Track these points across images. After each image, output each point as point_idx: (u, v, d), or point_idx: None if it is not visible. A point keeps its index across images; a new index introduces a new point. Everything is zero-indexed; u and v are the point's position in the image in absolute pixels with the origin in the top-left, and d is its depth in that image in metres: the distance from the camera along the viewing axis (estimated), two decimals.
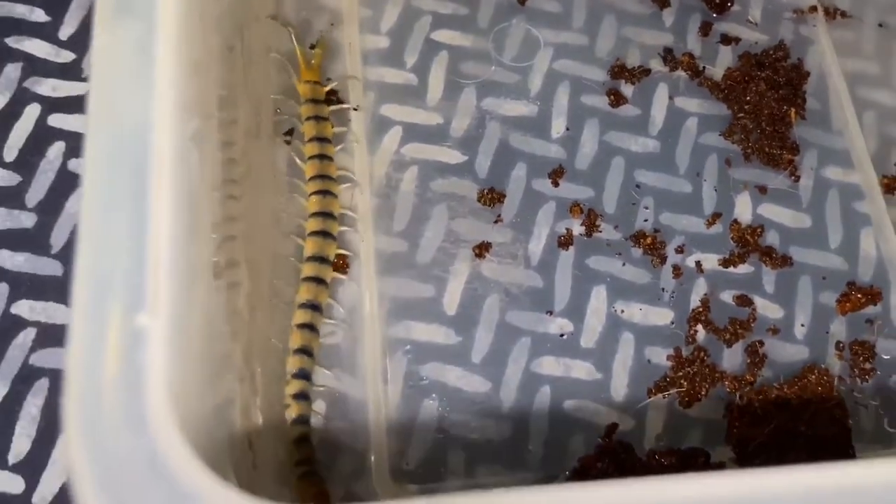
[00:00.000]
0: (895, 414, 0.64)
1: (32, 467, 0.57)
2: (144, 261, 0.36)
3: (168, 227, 0.37)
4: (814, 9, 0.78)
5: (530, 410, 0.62)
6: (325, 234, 0.61)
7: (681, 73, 0.74)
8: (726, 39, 0.76)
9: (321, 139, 0.63)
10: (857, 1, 0.80)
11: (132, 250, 0.36)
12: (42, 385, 0.60)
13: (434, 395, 0.61)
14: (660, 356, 0.64)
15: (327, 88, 0.67)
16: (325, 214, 0.62)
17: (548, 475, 0.59)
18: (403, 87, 0.72)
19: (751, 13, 0.78)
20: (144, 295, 0.35)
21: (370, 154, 0.69)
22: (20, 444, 0.58)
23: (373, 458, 0.59)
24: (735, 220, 0.68)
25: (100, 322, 0.35)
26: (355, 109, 0.70)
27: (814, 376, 0.59)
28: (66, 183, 0.66)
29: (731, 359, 0.63)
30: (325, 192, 0.62)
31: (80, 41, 0.71)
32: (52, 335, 0.61)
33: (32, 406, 0.59)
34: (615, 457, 0.58)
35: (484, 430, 0.61)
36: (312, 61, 0.69)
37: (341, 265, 0.63)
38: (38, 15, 0.72)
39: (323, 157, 0.63)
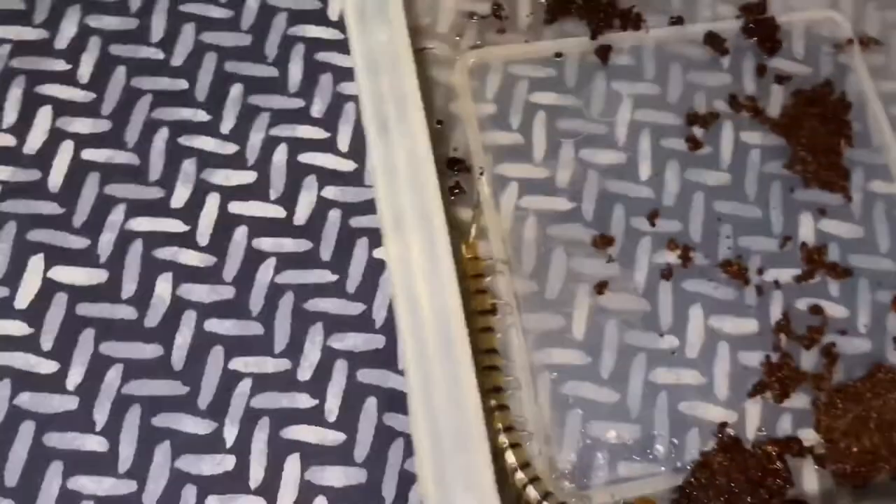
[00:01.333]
0: None
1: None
2: None
3: None
4: (850, 41, 0.91)
5: (653, 414, 0.77)
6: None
7: (744, 114, 0.88)
8: (779, 79, 0.89)
9: (483, 313, 0.76)
10: (885, 27, 0.93)
11: None
12: (264, 423, 0.75)
13: (577, 408, 0.77)
14: (752, 361, 0.79)
15: (484, 263, 0.78)
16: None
17: (675, 468, 0.75)
18: (512, 147, 0.86)
19: (794, 50, 0.91)
20: None
21: (496, 210, 0.83)
22: (256, 472, 0.73)
23: (538, 464, 0.74)
24: (804, 243, 0.82)
25: None
26: (481, 174, 0.84)
27: (881, 373, 0.75)
28: (254, 259, 0.80)
29: (810, 360, 0.79)
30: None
31: (241, 133, 0.85)
32: (264, 382, 0.76)
33: (259, 441, 0.74)
34: (729, 449, 0.73)
35: (619, 433, 0.76)
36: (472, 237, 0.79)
37: (493, 310, 0.78)
38: (202, 115, 0.85)
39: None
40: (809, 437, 0.76)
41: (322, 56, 0.89)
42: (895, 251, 0.84)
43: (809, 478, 0.75)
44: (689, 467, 0.75)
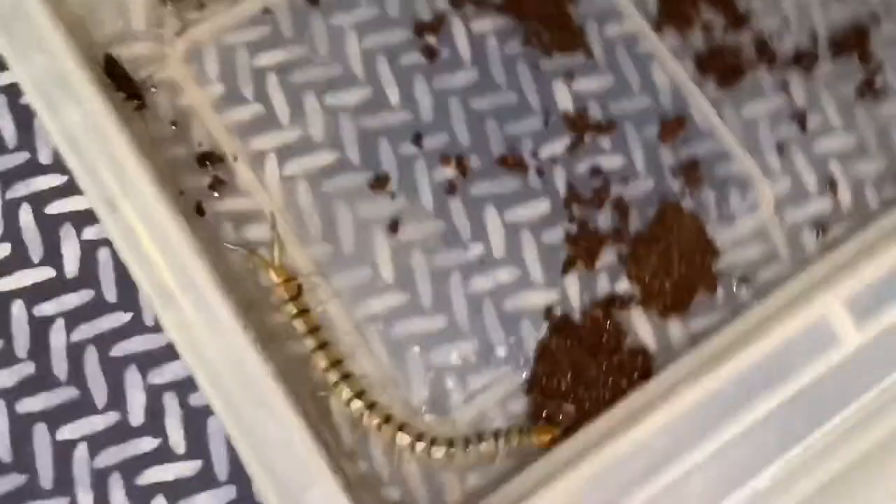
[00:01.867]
0: (725, 193, 0.96)
1: None
2: None
3: None
4: None
5: (484, 322, 0.90)
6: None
7: (468, 5, 0.99)
8: None
9: (313, 330, 0.85)
10: None
11: None
12: (116, 478, 0.83)
13: (412, 346, 0.89)
14: (555, 238, 0.93)
15: (297, 281, 0.87)
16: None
17: (519, 365, 0.89)
18: (256, 119, 0.95)
19: None
20: None
21: (265, 191, 0.92)
22: None
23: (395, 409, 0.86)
24: (564, 113, 0.96)
25: None
26: (235, 160, 0.92)
27: (669, 212, 0.91)
28: (42, 327, 0.87)
29: (606, 219, 0.94)
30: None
31: None
32: (101, 441, 0.84)
33: (118, 497, 0.83)
34: (561, 329, 0.88)
35: (459, 352, 0.89)
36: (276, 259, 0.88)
37: (298, 293, 0.87)
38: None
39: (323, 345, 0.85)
40: (627, 288, 0.91)
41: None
42: (647, 85, 1.00)
43: (640, 324, 0.91)
44: (532, 359, 0.88)
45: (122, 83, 0.89)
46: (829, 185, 0.97)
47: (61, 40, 0.72)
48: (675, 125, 0.97)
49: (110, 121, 0.69)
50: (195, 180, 0.92)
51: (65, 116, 0.73)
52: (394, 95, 0.97)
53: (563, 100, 0.98)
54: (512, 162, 0.94)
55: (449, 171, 0.94)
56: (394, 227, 0.92)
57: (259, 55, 0.97)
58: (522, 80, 0.99)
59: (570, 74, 0.99)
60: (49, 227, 0.90)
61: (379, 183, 0.93)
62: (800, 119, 0.99)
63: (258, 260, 0.88)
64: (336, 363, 0.84)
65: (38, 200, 0.91)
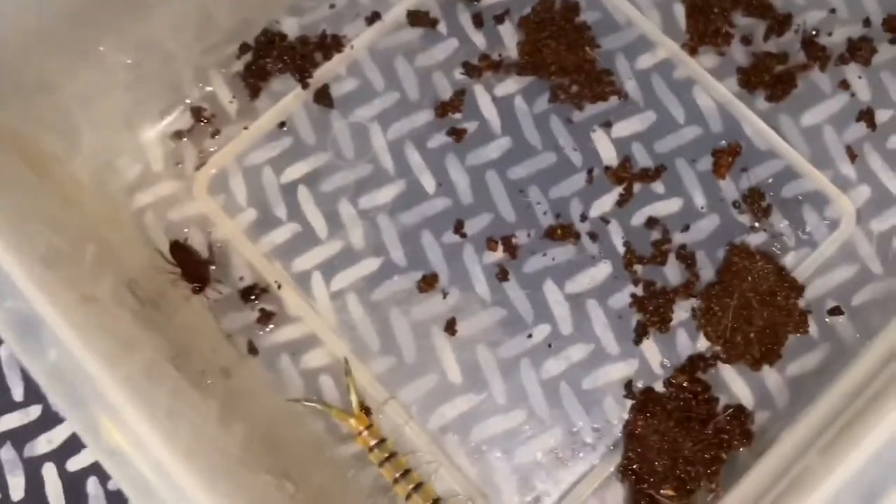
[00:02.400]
0: (798, 216, 0.88)
1: None
2: None
3: None
4: None
5: (564, 409, 0.85)
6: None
7: (487, 73, 0.94)
8: (497, 18, 0.96)
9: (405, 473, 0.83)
10: None
11: None
12: None
13: (494, 450, 0.85)
14: (622, 303, 0.87)
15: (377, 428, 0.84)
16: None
17: (609, 449, 0.84)
18: (293, 238, 0.92)
19: None
20: None
21: (316, 314, 0.89)
22: None
23: None
24: (607, 166, 0.90)
25: None
26: (279, 287, 0.90)
27: (735, 256, 0.84)
28: None
29: (672, 272, 0.88)
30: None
31: None
32: None
33: None
34: (645, 404, 0.82)
35: (544, 444, 0.85)
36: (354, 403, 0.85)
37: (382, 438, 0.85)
38: None
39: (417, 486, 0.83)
40: (709, 345, 0.85)
41: None
42: (692, 114, 0.93)
43: (731, 381, 0.85)
44: (620, 441, 0.83)
45: (187, 267, 0.89)
46: None
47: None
48: (728, 153, 0.90)
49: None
50: (242, 318, 0.90)
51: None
52: (428, 183, 0.93)
53: (605, 149, 0.92)
54: (561, 231, 0.89)
55: (496, 255, 0.90)
56: (451, 325, 0.88)
57: (285, 171, 0.94)
58: (559, 138, 0.93)
59: (608, 122, 0.93)
60: None
61: (427, 282, 0.89)
62: (867, 116, 0.91)
63: (335, 412, 0.85)
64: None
65: None
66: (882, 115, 0.91)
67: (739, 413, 0.82)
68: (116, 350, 0.72)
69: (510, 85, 0.95)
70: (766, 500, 0.66)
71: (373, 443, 0.83)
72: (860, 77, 0.93)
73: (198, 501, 0.60)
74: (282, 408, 0.87)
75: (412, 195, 0.93)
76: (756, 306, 0.83)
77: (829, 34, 0.94)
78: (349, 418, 0.84)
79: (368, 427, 0.84)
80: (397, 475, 0.82)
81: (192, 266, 0.90)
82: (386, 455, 0.83)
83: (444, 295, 0.89)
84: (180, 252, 0.90)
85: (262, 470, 0.80)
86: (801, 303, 0.85)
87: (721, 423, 0.82)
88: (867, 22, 0.94)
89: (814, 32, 0.94)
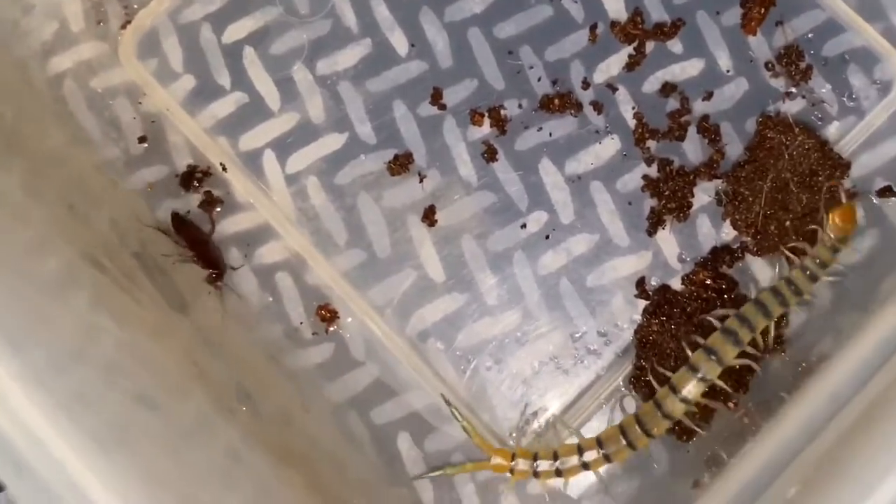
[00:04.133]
0: (844, 78, 0.76)
1: None
2: None
3: None
4: None
5: (566, 310, 0.74)
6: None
7: None
8: None
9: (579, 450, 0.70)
10: None
11: None
12: None
13: (486, 360, 0.74)
14: (634, 186, 0.75)
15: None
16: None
17: (619, 355, 0.73)
18: (240, 110, 0.79)
19: None
20: None
21: (270, 200, 0.76)
22: None
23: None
24: (613, 21, 0.76)
25: None
26: (225, 170, 0.76)
27: (769, 129, 0.71)
28: None
29: (692, 149, 0.75)
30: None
31: None
32: None
33: None
34: (659, 307, 0.71)
35: (542, 351, 0.74)
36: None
37: (331, 316, 0.73)
38: None
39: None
40: (736, 235, 0.73)
41: None
42: None
43: (763, 276, 0.73)
44: (632, 346, 0.72)
45: (197, 248, 0.75)
46: None
47: None
48: (761, 3, 0.76)
49: None
50: (183, 205, 0.77)
51: None
52: (400, 43, 0.79)
53: (613, 2, 0.78)
54: (559, 101, 0.76)
55: (483, 130, 0.76)
56: (430, 214, 0.75)
57: (227, 29, 0.80)
58: None
59: None
60: None
61: (400, 163, 0.76)
62: None
63: (471, 466, 0.72)
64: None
65: None
66: None
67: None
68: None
69: None
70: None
71: (534, 465, 0.70)
72: None
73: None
74: (232, 312, 0.75)
75: (380, 58, 0.79)
76: (794, 189, 0.71)
77: None
78: (495, 457, 0.70)
79: (513, 457, 0.70)
80: (577, 460, 0.69)
81: (202, 247, 0.75)
82: (550, 461, 0.70)
83: (421, 178, 0.76)
84: (185, 229, 0.76)
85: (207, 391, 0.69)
86: (847, 183, 0.73)
87: None
88: None
89: None
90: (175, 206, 0.77)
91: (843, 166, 0.72)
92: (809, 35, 0.77)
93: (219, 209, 0.77)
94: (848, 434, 0.55)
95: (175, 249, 0.75)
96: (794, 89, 0.75)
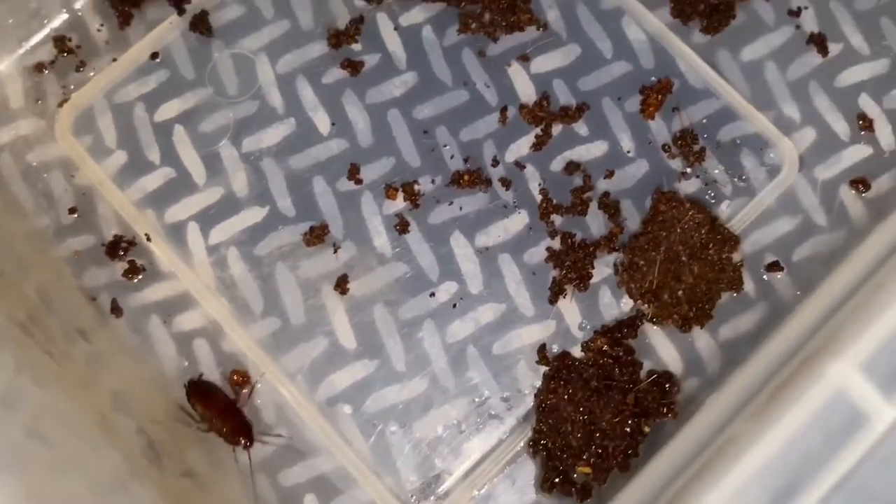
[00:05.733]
0: (736, 161, 0.81)
1: None
2: None
3: None
4: None
5: (471, 376, 0.77)
6: None
7: (389, 0, 0.86)
8: None
9: None
10: None
11: None
12: None
13: (391, 423, 0.77)
14: (539, 259, 0.80)
15: None
16: None
17: (520, 420, 0.76)
18: (168, 185, 0.83)
19: None
20: None
21: (191, 270, 0.80)
22: None
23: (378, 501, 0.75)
24: (522, 105, 0.82)
25: None
26: (149, 240, 0.81)
27: (662, 204, 0.76)
28: None
29: (594, 223, 0.80)
30: None
31: None
32: None
33: None
34: (559, 371, 0.74)
35: (447, 416, 0.77)
36: None
37: (243, 381, 0.76)
38: None
39: None
40: (634, 304, 0.77)
41: None
42: (621, 48, 0.85)
43: (659, 345, 0.77)
44: (533, 411, 0.76)
45: (222, 416, 0.77)
46: (861, 125, 0.82)
47: None
48: (658, 90, 0.82)
49: None
50: (106, 274, 0.81)
51: None
52: (322, 123, 0.84)
53: (523, 86, 0.84)
54: (469, 177, 0.81)
55: (397, 204, 0.81)
56: (342, 283, 0.79)
57: (158, 108, 0.85)
58: (471, 73, 0.85)
59: (525, 56, 0.85)
60: None
61: (315, 234, 0.80)
62: (819, 45, 0.83)
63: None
64: None
65: None
66: (831, 50, 0.84)
67: (665, 380, 0.75)
68: None
69: (417, 14, 0.87)
70: (687, 472, 0.58)
71: None
72: (806, 7, 0.85)
73: None
74: (146, 374, 0.79)
75: (303, 136, 0.84)
76: (685, 260, 0.76)
77: None
78: None
79: None
80: None
81: (227, 414, 0.76)
82: None
83: (336, 249, 0.80)
84: (207, 396, 0.77)
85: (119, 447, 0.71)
86: (736, 257, 0.78)
87: (643, 392, 0.74)
88: None
89: None
90: (100, 274, 0.81)
91: (733, 241, 0.77)
92: (704, 121, 0.82)
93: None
94: None
95: (196, 419, 0.76)
96: (689, 170, 0.81)
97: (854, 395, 0.45)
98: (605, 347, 0.76)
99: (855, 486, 0.44)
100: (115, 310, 0.80)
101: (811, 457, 0.44)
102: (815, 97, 0.83)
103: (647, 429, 0.73)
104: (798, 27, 0.85)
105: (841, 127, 0.82)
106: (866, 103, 0.83)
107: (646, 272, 0.76)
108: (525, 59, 0.84)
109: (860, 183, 0.80)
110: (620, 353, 0.76)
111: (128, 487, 0.71)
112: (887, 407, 0.45)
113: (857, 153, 0.82)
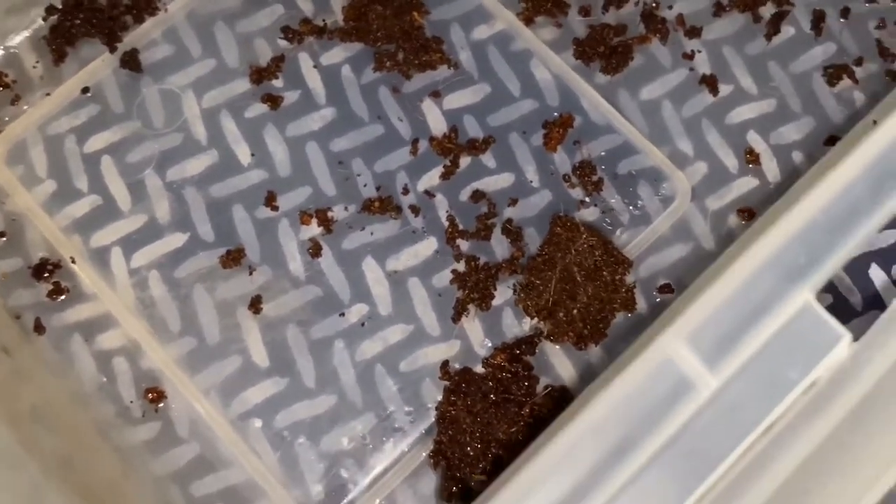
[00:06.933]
0: (632, 191, 0.87)
1: None
2: None
3: None
4: None
5: (378, 393, 0.82)
6: None
7: (309, 39, 0.92)
8: None
9: None
10: None
11: None
12: None
13: (299, 436, 0.81)
14: (445, 281, 0.85)
15: None
16: None
17: (423, 434, 0.80)
18: (94, 211, 0.88)
19: None
20: None
21: (113, 291, 0.85)
22: None
23: None
24: (432, 137, 0.88)
25: None
26: (73, 262, 0.85)
27: (559, 227, 0.82)
28: None
29: (499, 247, 0.85)
30: None
31: None
32: None
33: None
34: (458, 386, 0.79)
35: (352, 430, 0.81)
36: None
37: (156, 398, 0.80)
38: None
39: None
40: (533, 323, 0.82)
41: None
42: (528, 87, 0.91)
43: (557, 361, 0.82)
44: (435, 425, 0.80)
45: None
46: (749, 159, 0.88)
47: None
48: (559, 125, 0.88)
49: None
50: (33, 294, 0.85)
51: None
52: (243, 154, 0.90)
53: (435, 121, 0.90)
54: (379, 204, 0.86)
55: (311, 230, 0.86)
56: (256, 303, 0.84)
57: (88, 140, 0.90)
58: (386, 109, 0.91)
59: (437, 92, 0.91)
60: None
61: (232, 257, 0.85)
62: (710, 84, 0.90)
63: None
64: None
65: None
66: (721, 90, 0.91)
67: (559, 393, 0.80)
68: None
69: (337, 53, 0.93)
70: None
71: None
72: (700, 51, 0.92)
73: None
74: (67, 391, 0.82)
75: (224, 167, 0.89)
76: (580, 281, 0.81)
77: (670, 7, 0.93)
78: None
79: None
80: None
81: None
82: None
83: (251, 271, 0.85)
84: None
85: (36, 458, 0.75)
86: (629, 279, 0.83)
87: (539, 405, 0.79)
88: None
89: (654, 4, 0.93)
90: (25, 294, 0.85)
91: (626, 264, 0.83)
92: (604, 154, 0.88)
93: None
94: None
95: None
96: (587, 199, 0.86)
97: (682, 364, 0.50)
98: (504, 363, 0.80)
99: (683, 445, 0.49)
100: (39, 328, 0.84)
101: (642, 417, 0.49)
102: (708, 133, 0.89)
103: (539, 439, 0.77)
104: (692, 69, 0.92)
105: (730, 161, 0.88)
106: (754, 139, 0.89)
107: (542, 291, 0.81)
108: (437, 95, 0.90)
109: (746, 212, 0.86)
110: (519, 369, 0.80)
111: (44, 499, 0.74)
112: (709, 376, 0.50)
113: (745, 185, 0.88)
